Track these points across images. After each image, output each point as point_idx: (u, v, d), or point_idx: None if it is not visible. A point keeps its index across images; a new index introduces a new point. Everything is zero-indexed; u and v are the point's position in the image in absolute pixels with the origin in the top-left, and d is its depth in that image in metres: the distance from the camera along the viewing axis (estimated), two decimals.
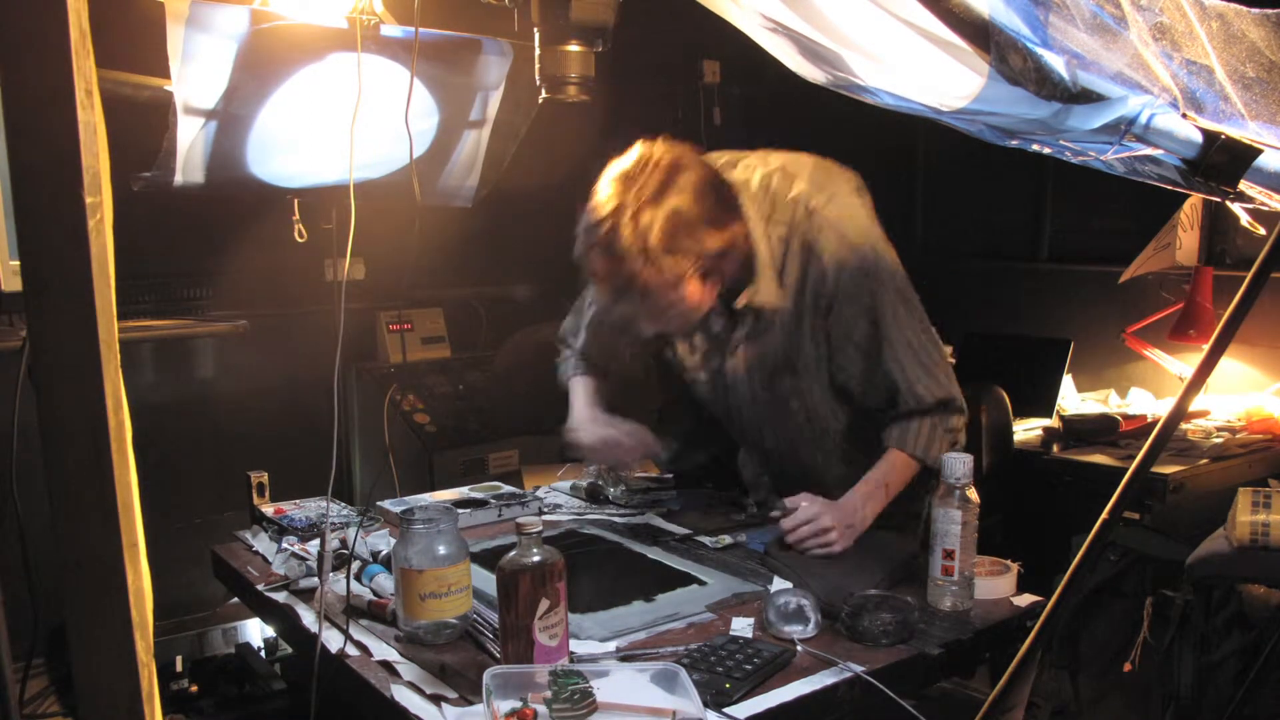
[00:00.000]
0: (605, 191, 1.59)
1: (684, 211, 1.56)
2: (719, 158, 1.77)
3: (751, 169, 1.73)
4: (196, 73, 1.75)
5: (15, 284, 2.45)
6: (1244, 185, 0.95)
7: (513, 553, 1.26)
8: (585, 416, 1.92)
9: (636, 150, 1.62)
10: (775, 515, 1.71)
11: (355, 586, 1.54)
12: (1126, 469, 1.04)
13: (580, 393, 1.97)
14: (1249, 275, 0.94)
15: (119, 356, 0.82)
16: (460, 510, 1.86)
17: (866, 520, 1.67)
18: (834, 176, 1.74)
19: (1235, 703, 1.74)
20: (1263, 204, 1.00)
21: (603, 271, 1.60)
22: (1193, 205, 2.92)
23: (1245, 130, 0.96)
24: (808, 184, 1.69)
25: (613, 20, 1.62)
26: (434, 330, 3.56)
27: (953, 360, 2.42)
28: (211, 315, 3.11)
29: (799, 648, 1.34)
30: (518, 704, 1.16)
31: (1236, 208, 1.05)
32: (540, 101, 1.73)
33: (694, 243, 1.58)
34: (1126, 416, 2.88)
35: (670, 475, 2.09)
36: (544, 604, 1.24)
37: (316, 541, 1.73)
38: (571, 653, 1.31)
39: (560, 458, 3.44)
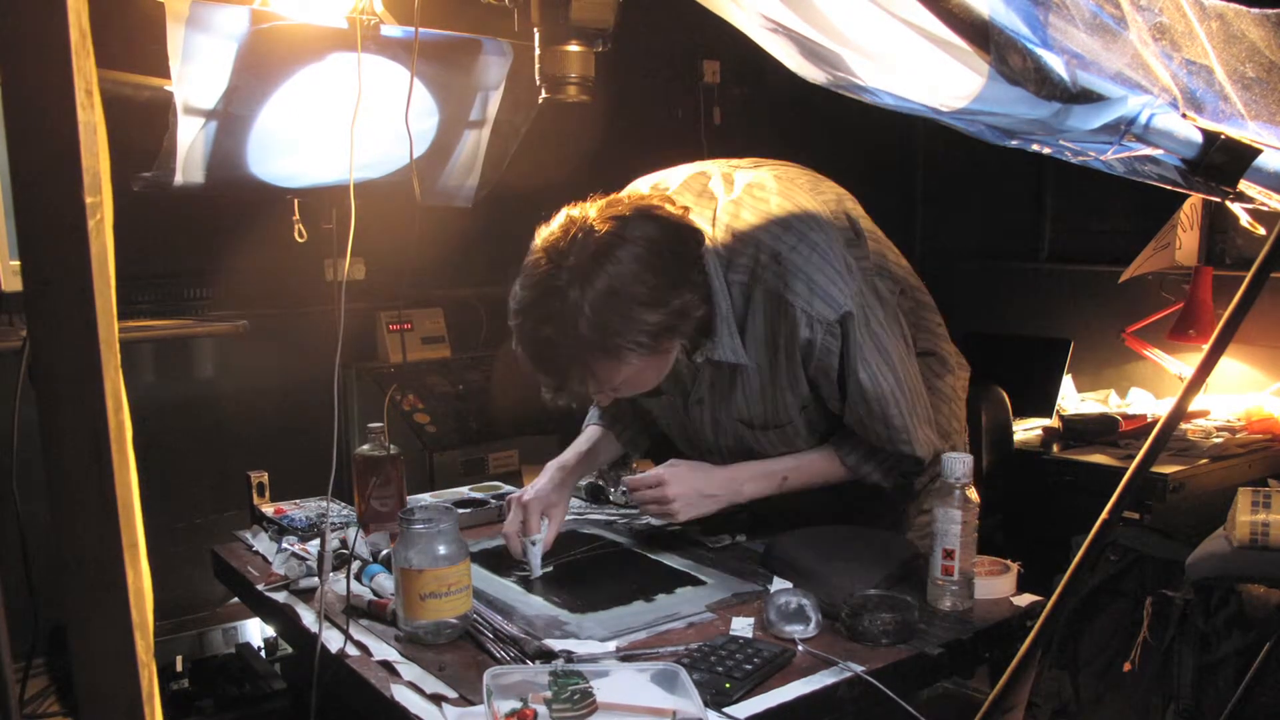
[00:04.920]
0: (531, 269, 1.46)
1: (618, 291, 1.41)
2: (717, 167, 1.68)
3: (711, 205, 1.59)
4: (196, 73, 1.75)
5: (15, 284, 2.45)
6: (1244, 185, 0.95)
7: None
8: (543, 480, 1.75)
9: (563, 216, 1.49)
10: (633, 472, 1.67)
11: (355, 586, 1.54)
12: (1126, 469, 1.04)
13: (573, 446, 1.87)
14: (1249, 275, 0.94)
15: (119, 356, 0.82)
16: (460, 510, 1.86)
17: (742, 496, 1.64)
18: (805, 206, 1.56)
19: (1235, 703, 1.74)
20: (1263, 204, 1.00)
21: (536, 357, 1.48)
22: (1193, 205, 2.92)
23: (1245, 130, 0.96)
24: (775, 222, 1.53)
25: (613, 20, 1.62)
26: (434, 330, 3.56)
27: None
28: (211, 315, 3.11)
29: (799, 647, 1.34)
30: (518, 704, 1.16)
31: (1236, 208, 1.05)
32: (540, 101, 1.73)
33: (631, 324, 1.43)
34: (1126, 416, 2.88)
35: None
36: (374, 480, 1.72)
37: (316, 541, 1.73)
38: (571, 652, 1.31)
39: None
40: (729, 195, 1.60)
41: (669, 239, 1.48)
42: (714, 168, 1.69)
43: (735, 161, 1.71)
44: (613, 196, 1.54)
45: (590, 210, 1.48)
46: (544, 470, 1.77)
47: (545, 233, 1.49)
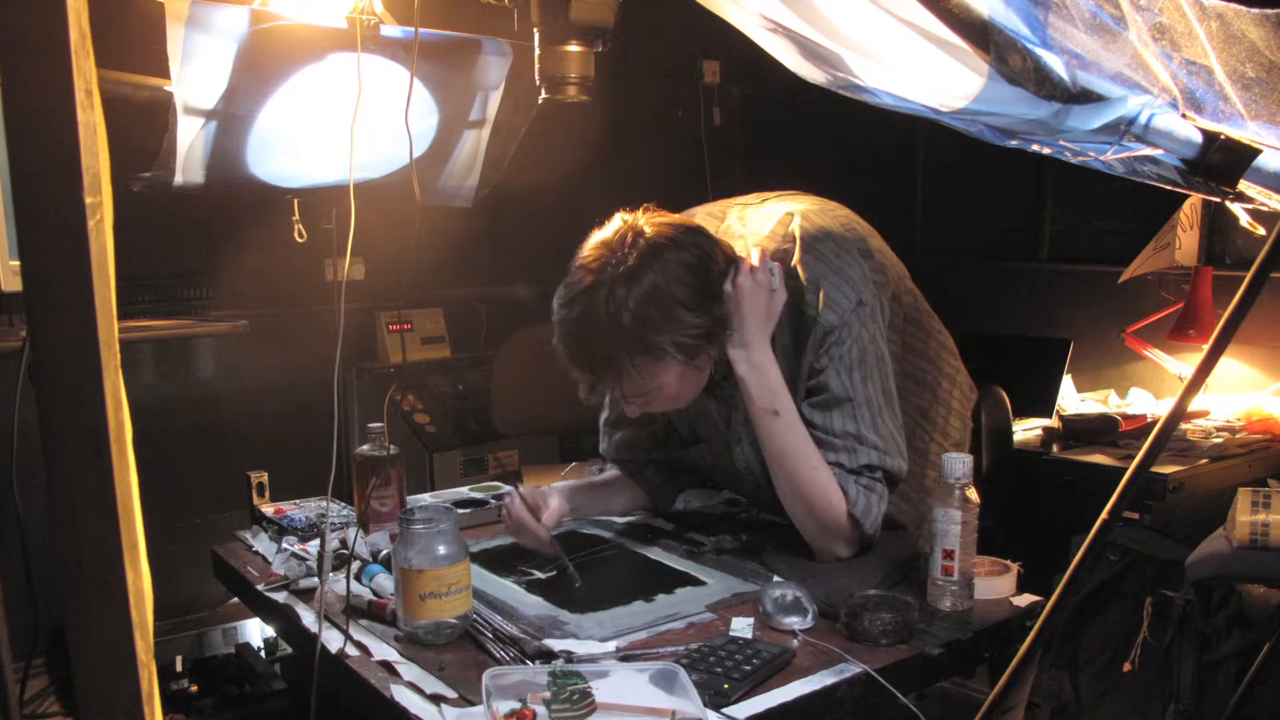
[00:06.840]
0: (582, 263, 1.50)
1: (663, 290, 1.45)
2: (727, 206, 1.71)
3: (742, 227, 1.65)
4: (196, 73, 1.75)
5: (15, 284, 2.45)
6: (1244, 185, 0.96)
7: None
8: (545, 491, 1.74)
9: (617, 220, 1.53)
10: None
11: (355, 586, 1.54)
12: (1126, 469, 1.04)
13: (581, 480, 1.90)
14: (1249, 275, 0.94)
15: (119, 356, 0.82)
16: (460, 510, 1.86)
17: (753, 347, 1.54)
18: (832, 233, 1.60)
19: (1235, 703, 1.74)
20: (1263, 204, 1.00)
21: (576, 351, 1.51)
22: (1193, 205, 2.91)
23: (1245, 130, 0.96)
24: (798, 245, 1.58)
25: (613, 20, 1.62)
26: (434, 330, 3.56)
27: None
28: (211, 315, 3.11)
29: (799, 638, 1.34)
30: (517, 705, 1.16)
31: (1236, 208, 1.05)
32: (540, 101, 1.73)
33: (672, 323, 1.46)
34: (1126, 416, 2.87)
35: None
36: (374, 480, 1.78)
37: (316, 541, 1.73)
38: (571, 653, 1.31)
39: (560, 458, 3.44)
40: (768, 220, 1.65)
41: (718, 257, 1.54)
42: (723, 208, 1.73)
43: (742, 199, 1.74)
44: (664, 213, 1.58)
45: (643, 218, 1.53)
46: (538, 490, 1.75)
47: (598, 234, 1.53)
